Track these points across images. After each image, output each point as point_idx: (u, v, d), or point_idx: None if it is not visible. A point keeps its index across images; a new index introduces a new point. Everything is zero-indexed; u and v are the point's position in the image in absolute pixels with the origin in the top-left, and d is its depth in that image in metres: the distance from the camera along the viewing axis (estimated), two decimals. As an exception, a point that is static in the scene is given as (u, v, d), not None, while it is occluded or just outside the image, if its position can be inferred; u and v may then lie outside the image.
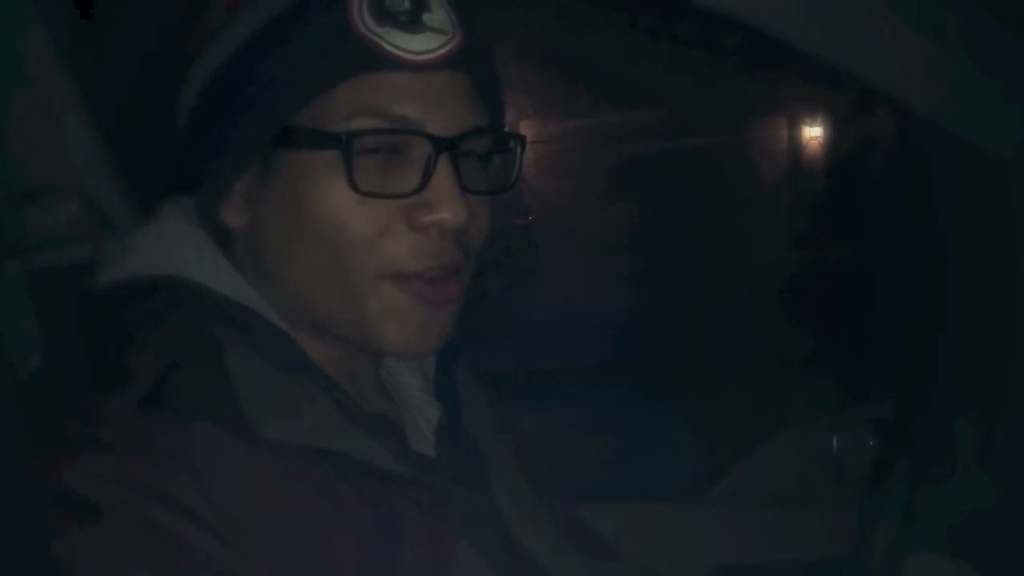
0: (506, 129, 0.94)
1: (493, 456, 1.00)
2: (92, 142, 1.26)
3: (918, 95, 1.16)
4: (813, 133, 7.49)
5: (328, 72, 0.83)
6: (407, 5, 0.84)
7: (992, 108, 1.16)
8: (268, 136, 0.84)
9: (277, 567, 0.75)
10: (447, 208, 0.83)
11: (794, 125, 7.57)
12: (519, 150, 0.91)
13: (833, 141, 7.29)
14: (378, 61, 0.83)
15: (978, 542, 1.12)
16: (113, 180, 1.29)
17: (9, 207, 1.22)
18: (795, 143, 7.55)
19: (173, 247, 0.89)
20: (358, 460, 0.83)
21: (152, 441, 0.75)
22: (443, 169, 0.84)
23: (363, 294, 0.85)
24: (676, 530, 1.70)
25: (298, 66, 0.83)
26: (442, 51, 0.84)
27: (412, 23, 0.83)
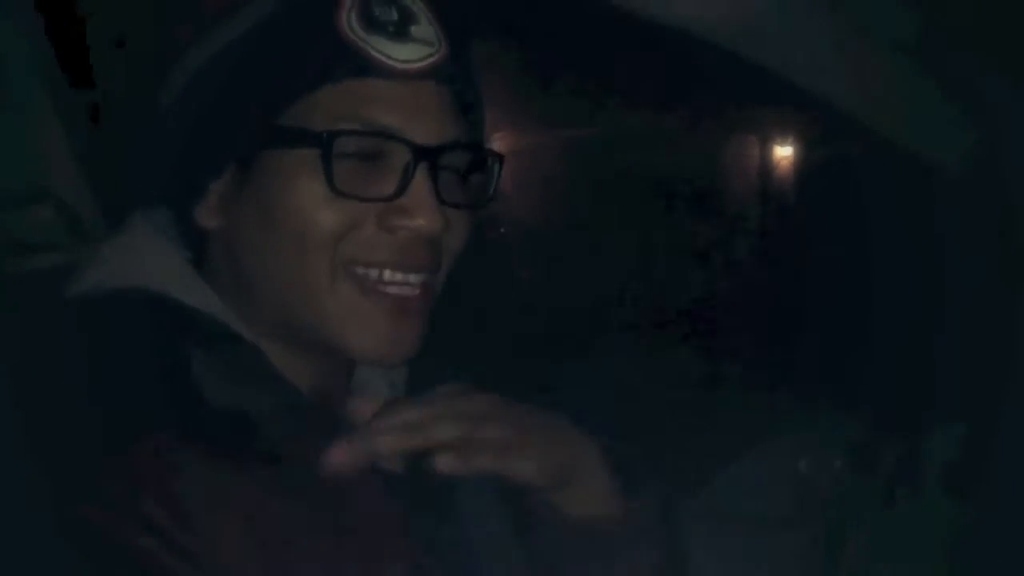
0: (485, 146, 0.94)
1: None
2: (67, 149, 1.26)
3: (866, 107, 1.17)
4: (784, 153, 7.55)
5: (314, 74, 0.84)
6: (395, 15, 0.86)
7: (937, 118, 1.18)
8: (249, 134, 0.84)
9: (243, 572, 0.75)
10: (422, 215, 0.84)
11: (765, 144, 7.63)
12: (497, 168, 0.92)
13: (803, 161, 7.36)
14: (364, 67, 0.84)
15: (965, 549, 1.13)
16: (88, 187, 1.28)
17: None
18: (766, 162, 7.60)
19: (141, 258, 0.88)
20: (324, 473, 0.81)
21: (118, 455, 0.75)
22: (421, 177, 0.84)
23: (323, 290, 0.85)
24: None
25: (284, 66, 0.84)
26: (427, 61, 0.86)
27: (399, 33, 0.85)
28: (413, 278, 0.87)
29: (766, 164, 7.59)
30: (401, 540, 0.86)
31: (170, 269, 0.88)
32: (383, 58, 0.84)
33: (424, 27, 0.86)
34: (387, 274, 0.86)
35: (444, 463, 0.81)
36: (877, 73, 1.17)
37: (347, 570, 0.81)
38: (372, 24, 0.84)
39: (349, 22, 0.84)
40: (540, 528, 1.04)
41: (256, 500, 0.78)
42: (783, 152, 7.53)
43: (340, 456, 0.79)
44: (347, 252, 0.85)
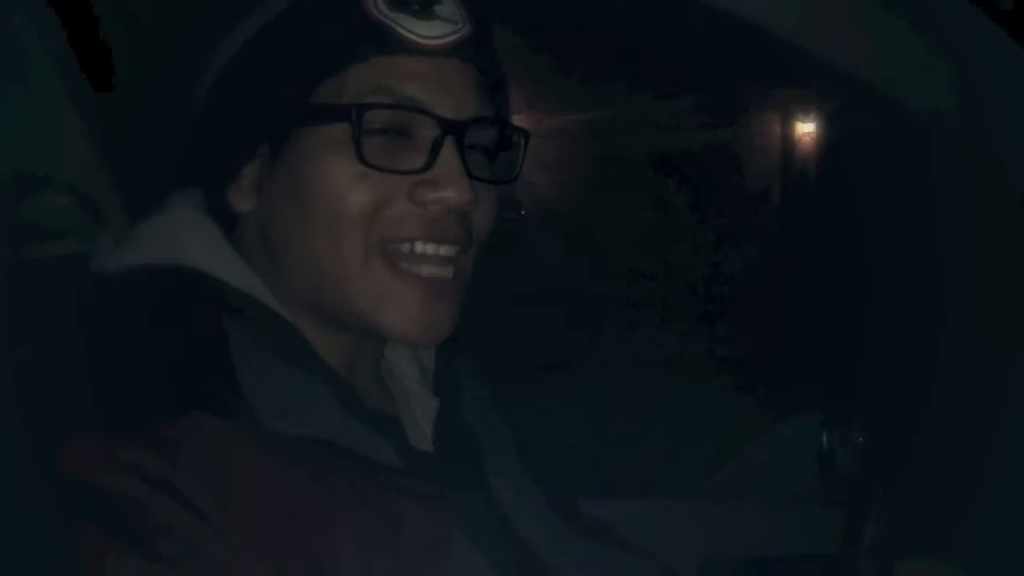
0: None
1: (493, 448, 1.00)
2: (82, 136, 1.26)
3: (844, 52, 1.15)
4: (806, 129, 7.47)
5: (341, 52, 0.86)
6: None
7: (917, 65, 1.16)
8: (279, 115, 0.87)
9: (274, 557, 0.75)
10: (452, 187, 0.86)
11: (787, 121, 7.55)
12: (523, 144, 0.94)
13: (827, 136, 7.28)
14: (391, 44, 0.86)
15: (967, 544, 1.12)
16: (104, 174, 1.28)
17: (2, 199, 1.22)
18: (788, 139, 7.53)
19: (181, 236, 0.90)
20: (357, 453, 0.84)
21: (155, 430, 0.75)
22: (449, 150, 0.86)
23: (356, 271, 0.86)
24: (668, 525, 1.70)
25: (313, 46, 0.86)
26: (451, 38, 0.87)
27: (424, 11, 0.87)
28: (444, 250, 0.88)
29: (784, 142, 7.53)
30: (432, 522, 0.86)
31: (209, 247, 0.90)
32: (408, 35, 0.86)
33: (448, 6, 0.88)
34: (419, 247, 0.87)
35: None
36: (841, 10, 1.15)
37: (376, 556, 0.81)
38: (397, 3, 0.86)
39: (375, 1, 0.86)
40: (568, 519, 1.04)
41: (287, 482, 0.78)
42: (804, 128, 7.45)
43: None
44: (379, 231, 0.86)
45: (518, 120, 0.96)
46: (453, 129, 0.86)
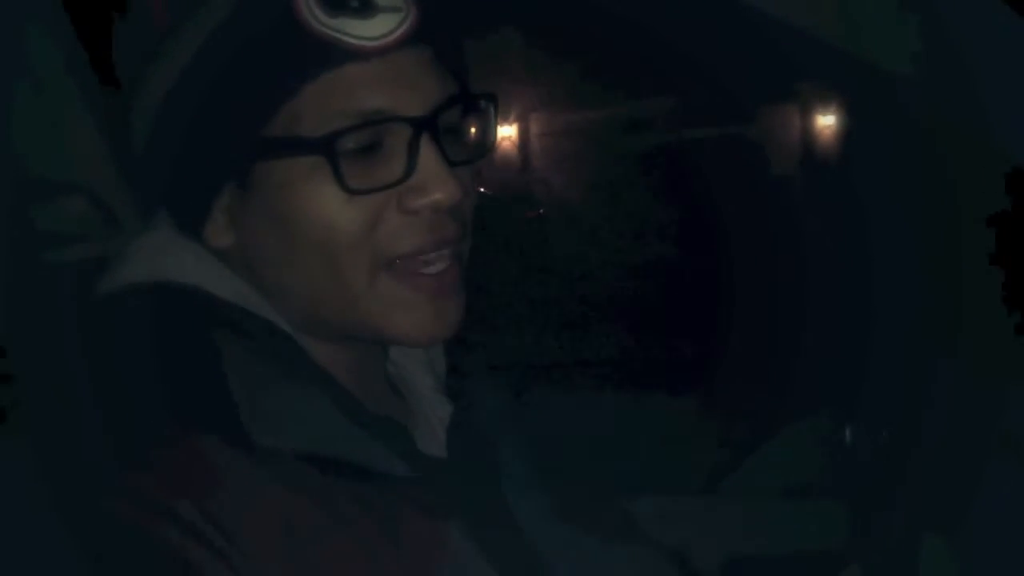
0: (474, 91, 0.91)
1: (509, 452, 0.98)
2: (98, 141, 1.26)
3: (809, 15, 1.13)
4: (826, 121, 7.41)
5: (289, 78, 0.81)
6: None
7: (886, 22, 1.14)
8: (237, 153, 0.82)
9: None
10: (439, 188, 0.82)
11: (807, 114, 7.49)
12: (492, 110, 0.90)
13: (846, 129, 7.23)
14: (339, 55, 0.81)
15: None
16: (120, 180, 1.28)
17: (16, 204, 1.22)
18: (808, 133, 7.47)
19: (168, 253, 0.87)
20: (355, 464, 0.81)
21: (150, 455, 0.74)
22: (427, 149, 0.83)
23: (362, 292, 0.84)
24: (690, 522, 1.70)
25: (257, 77, 0.81)
26: (400, 31, 0.82)
27: (364, 8, 0.81)
28: (446, 252, 0.86)
29: (804, 135, 7.48)
30: (445, 542, 0.83)
31: (197, 261, 0.87)
32: (355, 41, 0.81)
33: None
34: (422, 258, 0.84)
35: None
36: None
37: (378, 566, 0.79)
38: (334, 6, 0.80)
39: (310, 10, 0.80)
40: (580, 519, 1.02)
41: (285, 501, 0.77)
42: (824, 122, 7.41)
43: None
44: (380, 251, 0.83)
45: (534, 119, 0.92)
46: (425, 126, 0.83)
